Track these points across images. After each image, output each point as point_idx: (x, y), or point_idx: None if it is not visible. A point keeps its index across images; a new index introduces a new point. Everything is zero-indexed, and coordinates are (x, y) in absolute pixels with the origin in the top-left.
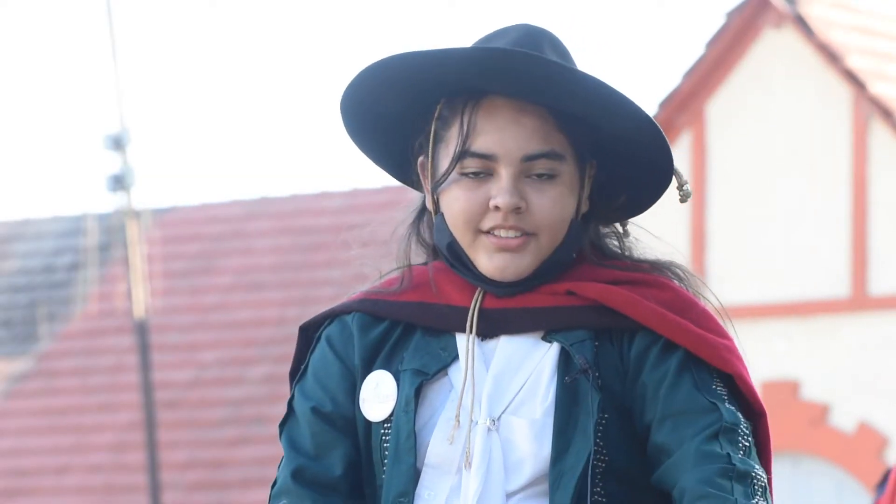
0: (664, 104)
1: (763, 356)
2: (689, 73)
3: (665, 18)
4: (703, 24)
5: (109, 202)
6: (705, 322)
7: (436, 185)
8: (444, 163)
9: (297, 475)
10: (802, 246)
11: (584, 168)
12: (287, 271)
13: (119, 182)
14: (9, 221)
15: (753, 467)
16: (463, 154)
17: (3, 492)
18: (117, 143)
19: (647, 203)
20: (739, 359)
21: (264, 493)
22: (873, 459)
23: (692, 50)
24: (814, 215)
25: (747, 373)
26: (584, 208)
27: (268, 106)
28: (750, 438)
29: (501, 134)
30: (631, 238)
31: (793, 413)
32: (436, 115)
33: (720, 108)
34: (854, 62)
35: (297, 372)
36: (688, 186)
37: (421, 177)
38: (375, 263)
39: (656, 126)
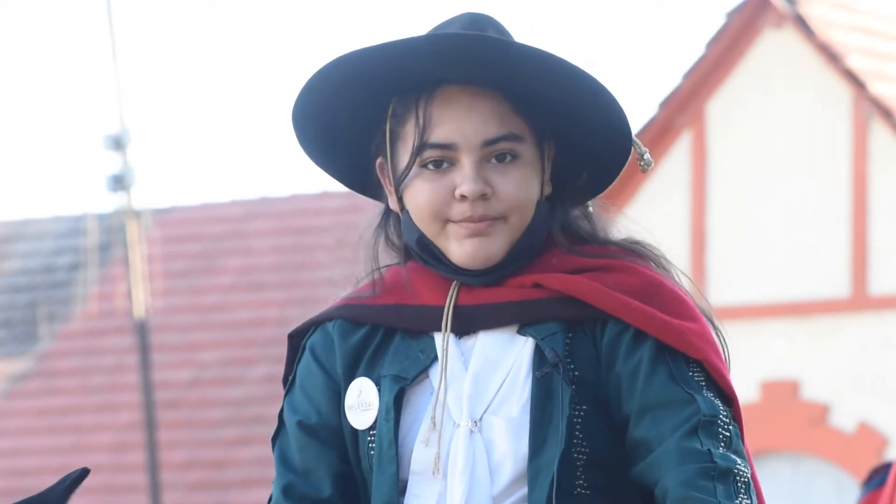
0: (664, 104)
1: (763, 356)
2: (689, 73)
3: (665, 18)
4: (703, 24)
5: (109, 202)
6: (674, 306)
7: (398, 182)
8: (404, 159)
9: (288, 492)
10: (802, 246)
11: (543, 149)
12: (287, 271)
13: (119, 182)
14: (9, 221)
15: (736, 463)
16: (422, 147)
17: (3, 492)
18: (117, 143)
19: (610, 178)
20: (709, 342)
21: (264, 493)
22: (873, 459)
23: (692, 50)
24: (814, 215)
25: (718, 356)
26: (548, 190)
27: (268, 106)
28: (731, 427)
29: (459, 122)
30: (601, 216)
31: (793, 413)
32: (389, 113)
33: (720, 108)
34: (854, 62)
35: (288, 381)
36: (648, 156)
37: (381, 179)
38: (349, 268)
39: (607, 90)
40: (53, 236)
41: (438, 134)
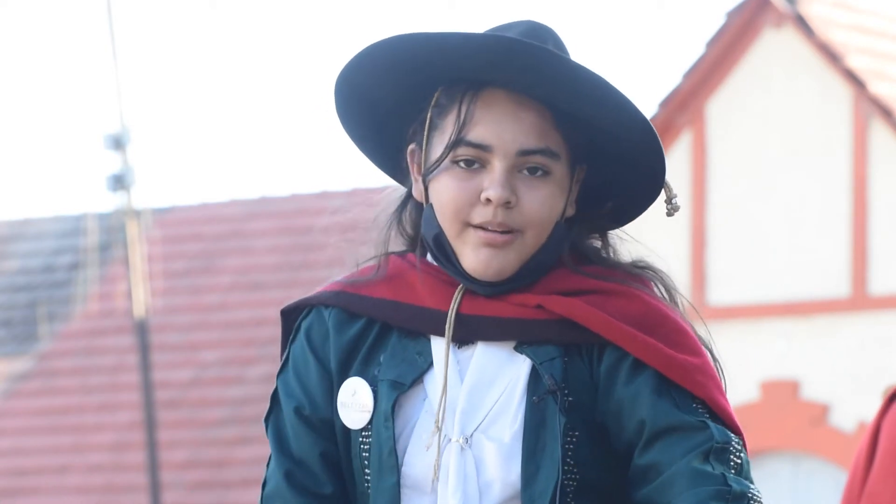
0: (664, 104)
1: (763, 356)
2: (689, 73)
3: (665, 18)
4: (703, 24)
5: (109, 202)
6: (676, 338)
7: (427, 172)
8: (438, 150)
9: (290, 480)
10: (802, 246)
11: (574, 170)
12: (287, 271)
13: (119, 182)
14: (9, 221)
15: (749, 487)
16: (458, 142)
17: (3, 492)
18: (117, 143)
19: (634, 213)
20: (712, 377)
21: None
22: None
23: (692, 50)
24: (814, 215)
25: (721, 393)
26: (570, 212)
27: (268, 106)
28: (742, 455)
29: (499, 126)
30: (613, 236)
31: (793, 413)
32: (433, 102)
33: (720, 107)
34: (854, 62)
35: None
36: (676, 201)
37: (410, 165)
38: (354, 251)
39: (654, 132)
40: (53, 236)
41: (476, 133)
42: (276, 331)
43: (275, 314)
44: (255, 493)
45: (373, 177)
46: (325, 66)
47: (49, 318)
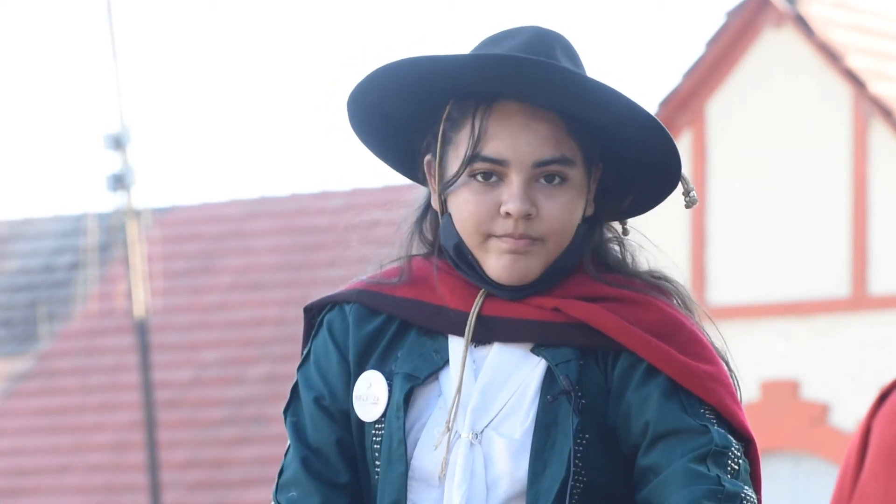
0: (664, 104)
1: (763, 356)
2: (689, 73)
3: (665, 18)
4: (703, 24)
5: (109, 202)
6: (691, 347)
7: (444, 187)
8: (454, 165)
9: (306, 465)
10: (802, 246)
11: (591, 171)
12: (287, 271)
13: (119, 182)
14: (9, 221)
15: (743, 488)
16: (474, 158)
17: (3, 492)
18: (117, 143)
19: (651, 205)
20: (726, 385)
21: (265, 493)
22: None
23: (692, 50)
24: (814, 215)
25: (734, 400)
26: (590, 211)
27: (268, 106)
28: (741, 462)
29: (513, 139)
30: (632, 243)
31: (793, 413)
32: (444, 115)
33: (720, 107)
34: (854, 62)
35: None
36: (694, 193)
37: (427, 176)
38: (377, 253)
39: (667, 133)
40: (53, 236)
41: (491, 148)
42: (277, 331)
43: (275, 314)
44: (256, 493)
45: (373, 178)
46: (325, 65)
47: (49, 318)
